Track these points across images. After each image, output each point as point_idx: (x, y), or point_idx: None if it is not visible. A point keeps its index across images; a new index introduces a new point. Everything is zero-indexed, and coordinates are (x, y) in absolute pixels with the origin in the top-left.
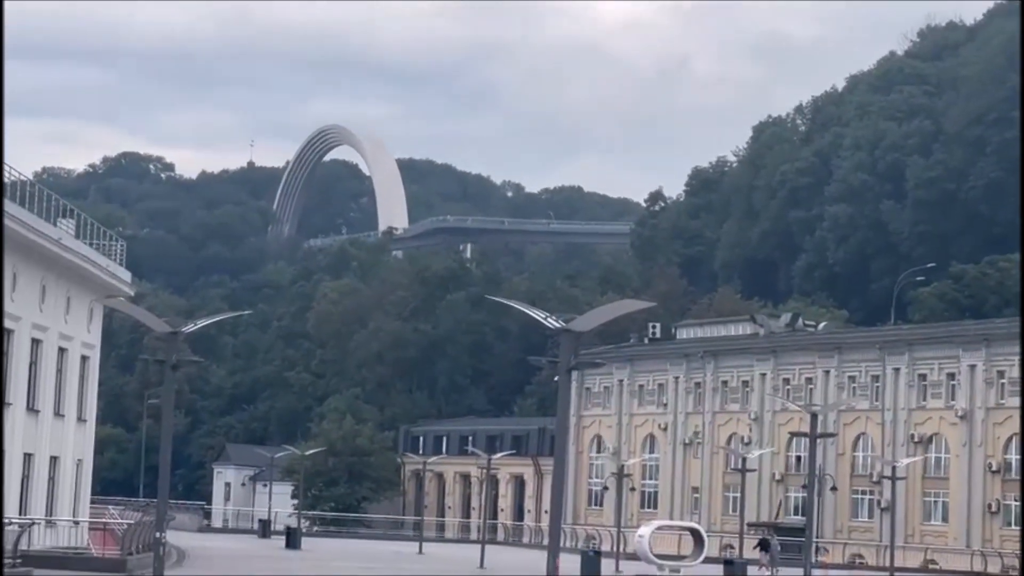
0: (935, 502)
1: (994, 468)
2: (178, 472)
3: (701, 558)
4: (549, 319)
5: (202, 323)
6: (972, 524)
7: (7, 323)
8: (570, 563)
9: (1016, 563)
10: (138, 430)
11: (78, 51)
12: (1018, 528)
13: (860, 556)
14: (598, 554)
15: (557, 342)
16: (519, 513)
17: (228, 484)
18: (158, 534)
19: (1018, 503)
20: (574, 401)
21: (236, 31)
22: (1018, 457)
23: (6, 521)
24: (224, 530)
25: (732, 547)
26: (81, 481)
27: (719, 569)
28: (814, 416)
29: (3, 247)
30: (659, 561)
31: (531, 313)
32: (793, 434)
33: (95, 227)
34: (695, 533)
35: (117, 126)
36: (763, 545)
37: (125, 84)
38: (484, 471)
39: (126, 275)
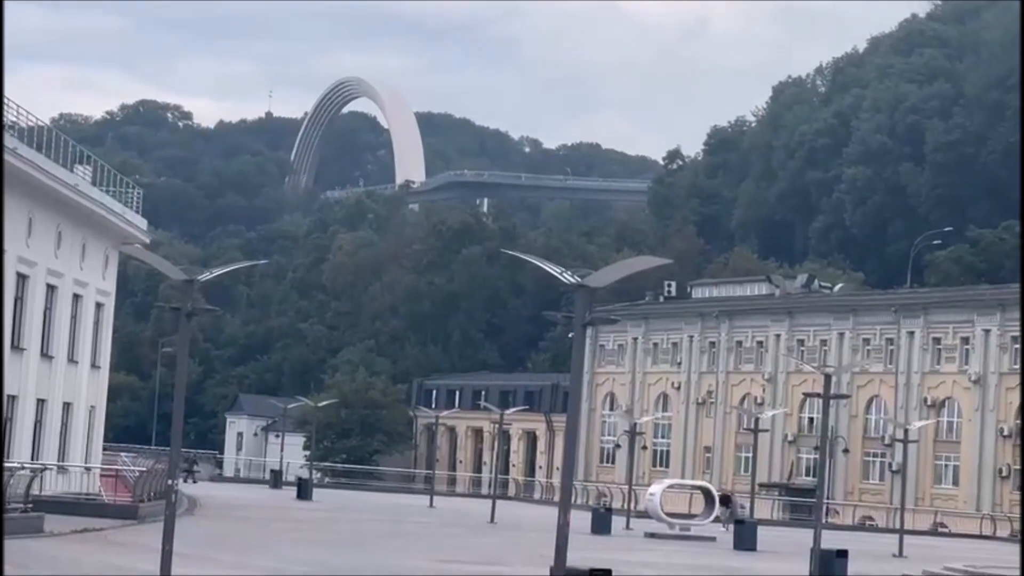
0: (946, 466)
1: (1006, 433)
2: (191, 421)
3: (712, 517)
4: (564, 274)
5: (217, 272)
6: (983, 488)
7: (22, 268)
8: (581, 520)
9: None
10: (152, 378)
11: None
12: None
13: (870, 518)
14: (609, 511)
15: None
16: (531, 469)
17: (240, 434)
18: (170, 481)
19: None
20: (588, 358)
21: None
22: None
23: (18, 465)
24: (236, 479)
25: (744, 507)
26: (94, 428)
27: (729, 528)
28: (828, 378)
29: (3, 186)
30: (670, 519)
31: (546, 268)
32: (807, 395)
33: (112, 174)
34: (706, 492)
35: (135, 73)
36: (724, 501)
37: (144, 31)
38: (496, 426)
39: (142, 223)
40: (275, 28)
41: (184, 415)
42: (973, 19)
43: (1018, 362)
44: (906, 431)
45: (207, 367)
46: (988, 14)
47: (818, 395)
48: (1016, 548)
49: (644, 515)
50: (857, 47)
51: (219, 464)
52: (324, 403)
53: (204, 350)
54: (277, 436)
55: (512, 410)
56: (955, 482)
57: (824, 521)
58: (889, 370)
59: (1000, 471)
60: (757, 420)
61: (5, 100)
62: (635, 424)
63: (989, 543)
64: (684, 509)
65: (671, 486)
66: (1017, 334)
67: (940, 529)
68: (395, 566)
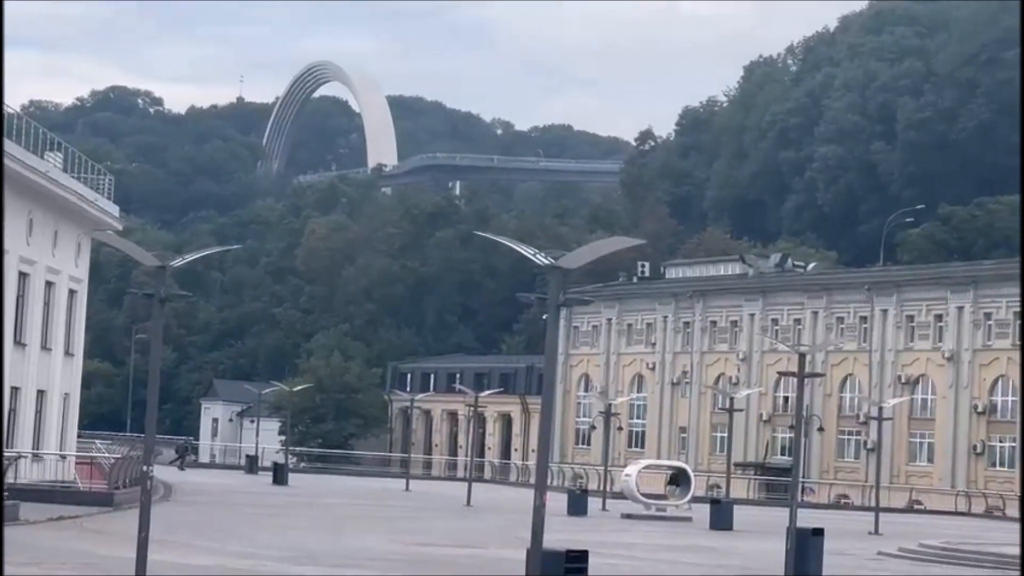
0: (921, 443)
1: (980, 409)
2: (165, 407)
3: (688, 497)
4: (538, 256)
5: (190, 257)
6: (957, 465)
7: None
8: (557, 501)
9: (1001, 503)
10: (126, 365)
11: None
12: (1003, 469)
13: (846, 496)
14: (585, 492)
15: (546, 280)
16: (506, 451)
17: (215, 420)
18: (145, 468)
19: (1003, 444)
20: (562, 340)
21: None
22: (1004, 399)
23: None
24: (211, 465)
25: (719, 487)
26: (68, 415)
27: (706, 508)
28: (802, 356)
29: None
30: (645, 500)
31: (520, 249)
32: (781, 374)
33: (83, 161)
34: (682, 472)
35: (106, 59)
36: (675, 479)
37: (114, 17)
38: (471, 409)
39: (114, 209)
40: (245, 13)
41: (158, 401)
42: None
43: (991, 338)
44: (880, 409)
45: (181, 353)
46: None
47: (793, 374)
48: (990, 523)
49: (620, 496)
50: (828, 26)
51: (194, 450)
52: (299, 388)
53: (178, 336)
54: (252, 422)
55: (487, 392)
56: (930, 459)
57: (800, 500)
58: (863, 348)
59: (974, 448)
60: (732, 400)
61: None
62: (610, 405)
63: (964, 519)
64: (660, 490)
65: (647, 467)
66: (990, 310)
67: (915, 506)
68: (372, 550)
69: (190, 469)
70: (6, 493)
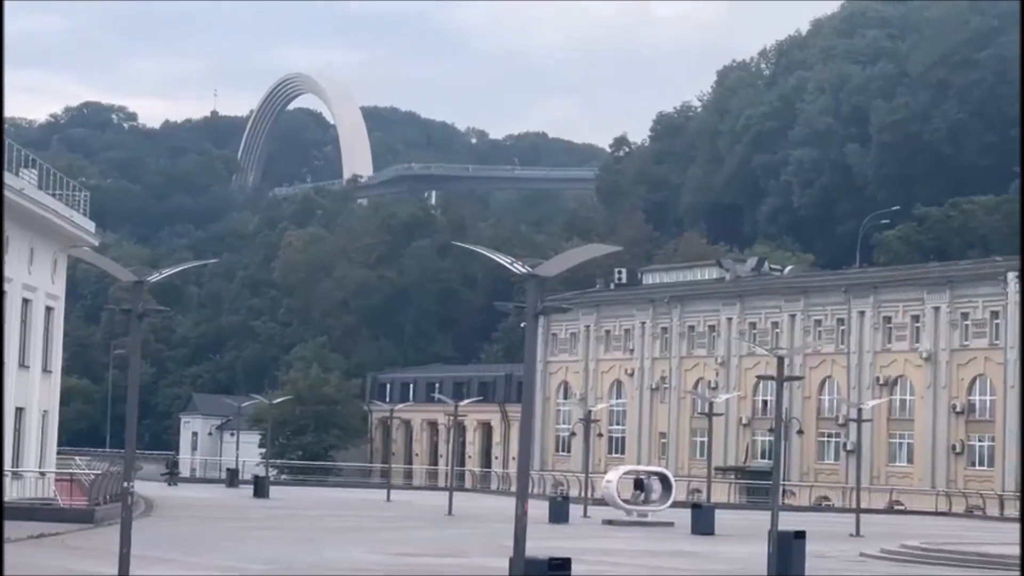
0: (900, 444)
1: (958, 409)
2: (145, 422)
3: (669, 502)
4: (515, 264)
5: (167, 272)
6: (937, 465)
7: None
8: (539, 509)
9: (980, 503)
10: (104, 381)
11: None
12: (982, 468)
13: (826, 498)
14: (566, 499)
15: (523, 288)
16: (486, 460)
17: (195, 434)
18: (125, 483)
19: (981, 443)
20: (540, 347)
21: None
22: (982, 398)
23: None
24: (192, 479)
25: (699, 491)
26: (47, 432)
27: (687, 513)
28: (780, 360)
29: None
30: (627, 506)
31: (497, 258)
32: (760, 377)
33: (58, 177)
34: (663, 478)
35: (79, 75)
36: (638, 485)
37: (87, 32)
38: (451, 418)
39: (90, 225)
40: (218, 26)
41: (138, 416)
42: None
43: (969, 338)
44: (860, 410)
45: (160, 368)
46: None
47: (771, 378)
48: (971, 523)
49: (601, 502)
50: (800, 29)
51: (175, 464)
52: (279, 400)
53: (156, 351)
54: (232, 435)
55: (466, 401)
56: (909, 460)
57: (780, 503)
58: (841, 350)
59: (953, 447)
60: (711, 404)
61: None
62: (590, 412)
63: (944, 519)
64: (641, 495)
65: (627, 472)
66: (967, 310)
67: (896, 507)
68: (355, 560)
69: (164, 481)
70: None
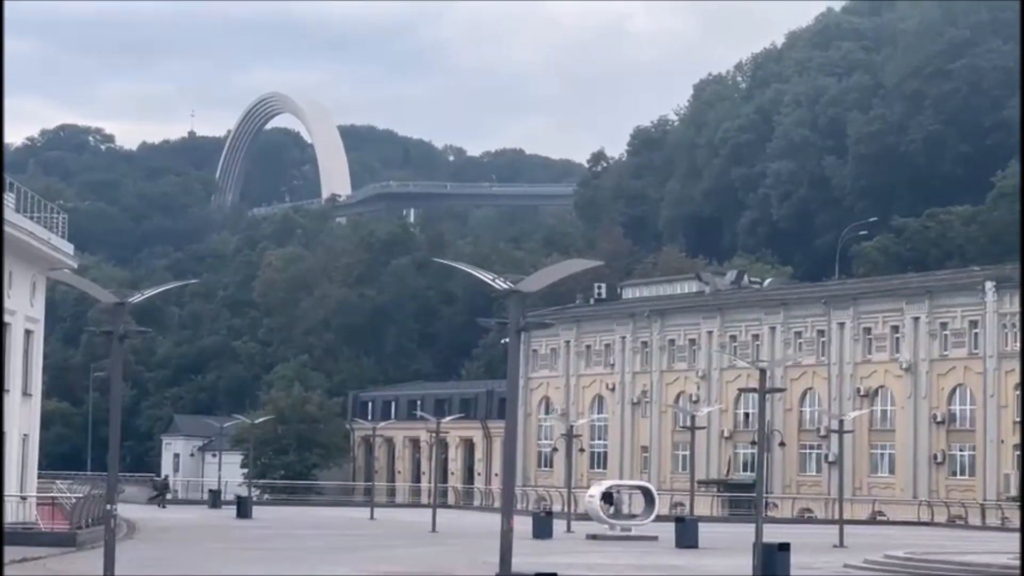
0: (881, 454)
1: (939, 419)
2: (126, 444)
3: (652, 516)
4: (497, 280)
5: (148, 293)
6: (918, 475)
7: None
8: (523, 524)
9: (963, 512)
10: (85, 404)
11: (13, 21)
12: (963, 478)
13: (809, 510)
14: (550, 515)
15: (503, 305)
16: (469, 476)
17: (177, 455)
18: (108, 506)
19: (963, 453)
20: (522, 363)
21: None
22: (962, 408)
23: None
24: (174, 501)
25: (682, 504)
26: (28, 456)
27: (670, 527)
28: (763, 372)
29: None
30: (610, 520)
31: (478, 275)
32: (742, 390)
33: (35, 200)
34: (646, 492)
35: (55, 98)
36: (607, 498)
37: (62, 55)
38: (433, 435)
39: (68, 248)
40: (193, 47)
41: (120, 438)
42: (888, 10)
43: (948, 348)
44: (841, 422)
45: (140, 389)
46: (903, 4)
47: (753, 390)
48: (954, 533)
49: (584, 517)
50: (775, 42)
51: (155, 486)
52: (261, 420)
53: (137, 372)
54: (214, 456)
55: (449, 418)
56: (891, 470)
57: (764, 515)
58: (821, 362)
59: (935, 457)
60: (694, 418)
61: None
62: (572, 427)
63: (927, 529)
64: (624, 509)
65: (610, 487)
66: (946, 320)
67: (879, 518)
68: None
69: (155, 504)
70: None
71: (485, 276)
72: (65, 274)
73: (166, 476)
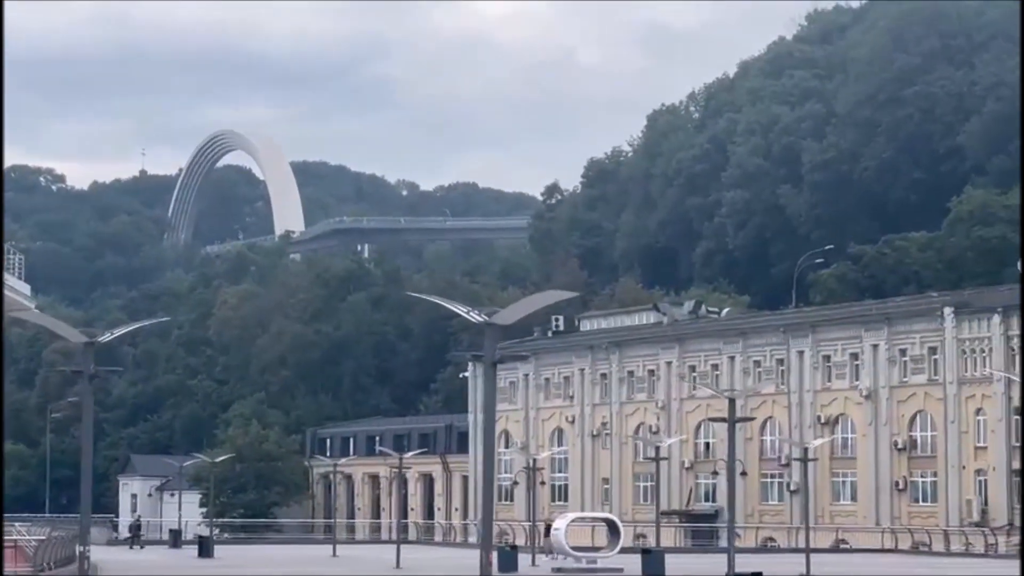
0: (843, 482)
1: (900, 446)
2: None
3: (617, 548)
4: (471, 313)
5: (120, 332)
6: (881, 502)
7: None
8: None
9: (926, 539)
10: (40, 445)
11: None
12: (926, 504)
13: (772, 539)
14: (515, 548)
15: (459, 339)
16: (429, 512)
17: (134, 495)
18: (80, 548)
19: (924, 479)
20: (481, 396)
21: (118, 36)
22: (923, 434)
23: None
24: (131, 541)
25: (645, 536)
26: None
27: (636, 559)
28: (732, 402)
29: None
30: (576, 553)
31: (453, 308)
32: (712, 420)
33: None
34: (611, 524)
35: (4, 138)
36: (547, 531)
37: (9, 95)
38: (393, 471)
39: (25, 288)
40: (142, 85)
41: (75, 480)
42: (839, 38)
43: (908, 375)
44: (806, 450)
45: (96, 430)
46: (854, 32)
47: (723, 420)
48: (918, 559)
49: (545, 550)
50: (727, 72)
51: (115, 527)
52: (222, 458)
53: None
54: (172, 495)
55: (411, 453)
56: (853, 498)
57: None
58: (781, 390)
59: (896, 484)
60: (658, 449)
61: None
62: (533, 460)
63: (892, 556)
64: (588, 542)
65: (575, 520)
66: (905, 347)
67: (842, 545)
68: None
69: (120, 547)
70: None
71: (460, 309)
72: (34, 314)
73: (138, 516)
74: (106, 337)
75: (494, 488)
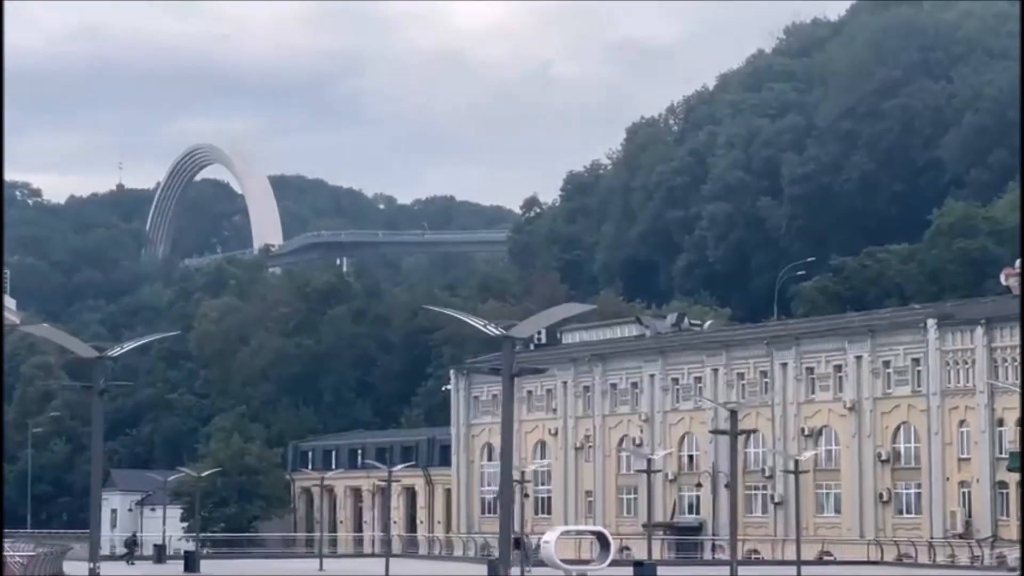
0: (827, 494)
1: (884, 458)
2: (62, 500)
3: (608, 561)
4: (488, 326)
5: (129, 346)
6: (865, 514)
7: None
8: (477, 571)
9: (910, 551)
10: (18, 460)
11: None
12: (910, 516)
13: (756, 551)
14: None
15: (441, 352)
16: (411, 525)
17: (114, 510)
18: (91, 564)
19: (908, 491)
20: (463, 410)
21: (94, 50)
22: (907, 445)
23: None
24: (113, 557)
25: (629, 548)
26: None
27: (625, 572)
28: (734, 413)
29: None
30: (566, 566)
31: (470, 321)
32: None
33: None
34: (600, 536)
35: None
36: (516, 544)
37: None
38: (376, 484)
39: (11, 303)
40: (119, 99)
41: (54, 495)
42: (818, 51)
43: (891, 386)
44: (796, 462)
45: (75, 444)
46: (832, 46)
47: (725, 432)
48: (902, 571)
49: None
50: (707, 84)
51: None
52: (208, 472)
53: (71, 428)
54: (153, 510)
55: (400, 467)
56: (837, 510)
57: (712, 557)
58: (765, 402)
59: (880, 496)
60: (650, 461)
61: None
62: (522, 473)
63: (877, 568)
64: (574, 555)
65: (564, 532)
66: (888, 359)
67: (825, 558)
68: None
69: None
70: None
71: (477, 322)
72: (43, 328)
73: (134, 533)
74: (115, 352)
75: (513, 503)
